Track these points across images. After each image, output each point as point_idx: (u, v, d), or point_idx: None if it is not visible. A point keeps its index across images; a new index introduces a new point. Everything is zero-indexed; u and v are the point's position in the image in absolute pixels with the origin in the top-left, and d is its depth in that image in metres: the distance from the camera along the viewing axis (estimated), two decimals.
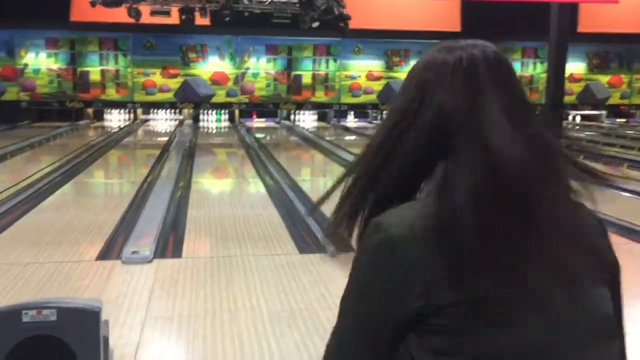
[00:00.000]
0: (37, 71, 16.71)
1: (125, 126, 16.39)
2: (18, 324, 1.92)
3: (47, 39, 16.61)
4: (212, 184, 8.66)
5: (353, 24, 14.77)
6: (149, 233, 5.05)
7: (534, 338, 0.80)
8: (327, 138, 14.09)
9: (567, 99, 15.13)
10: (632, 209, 6.34)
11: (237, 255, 4.59)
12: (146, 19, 13.94)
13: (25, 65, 16.61)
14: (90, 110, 17.49)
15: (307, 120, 18.30)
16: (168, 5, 13.70)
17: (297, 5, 13.45)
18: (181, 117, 17.98)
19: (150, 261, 4.34)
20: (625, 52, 19.20)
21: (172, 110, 18.00)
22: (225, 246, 4.86)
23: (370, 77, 18.22)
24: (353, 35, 16.38)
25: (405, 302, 0.82)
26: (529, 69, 19.00)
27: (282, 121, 18.07)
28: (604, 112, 19.43)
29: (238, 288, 3.85)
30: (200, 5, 13.59)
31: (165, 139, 13.36)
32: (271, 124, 17.88)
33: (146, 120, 17.70)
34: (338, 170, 9.48)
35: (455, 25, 17.71)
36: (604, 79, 19.40)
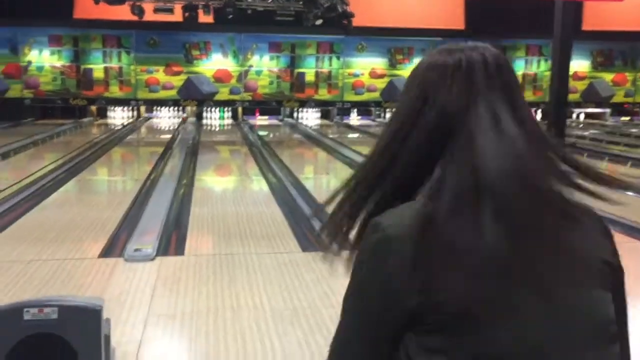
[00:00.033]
0: (40, 68, 16.72)
1: (128, 123, 16.40)
2: (19, 322, 1.92)
3: (50, 36, 16.61)
4: (215, 182, 8.66)
5: (356, 22, 14.76)
6: (151, 230, 5.05)
7: (533, 338, 0.81)
8: (330, 136, 14.08)
9: (571, 97, 15.07)
10: (636, 207, 6.31)
11: (240, 253, 4.59)
12: (149, 16, 13.97)
13: (29, 62, 16.63)
14: (93, 108, 17.50)
15: (310, 117, 18.28)
16: (171, 3, 13.72)
17: (300, 2, 13.44)
18: (184, 114, 17.99)
19: (152, 259, 4.34)
20: (630, 50, 19.14)
21: (176, 108, 18.01)
22: (228, 244, 4.86)
23: (374, 74, 18.19)
24: (356, 33, 16.37)
25: (403, 300, 0.82)
26: (533, 66, 18.95)
27: (285, 119, 18.06)
28: (608, 110, 19.38)
29: (241, 286, 3.85)
30: (203, 3, 13.60)
31: (169, 136, 13.37)
32: (274, 121, 17.87)
33: (149, 118, 17.71)
34: (341, 168, 9.47)
35: (459, 23, 17.68)
36: (608, 77, 19.34)
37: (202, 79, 17.42)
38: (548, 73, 16.17)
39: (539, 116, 18.82)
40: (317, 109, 18.37)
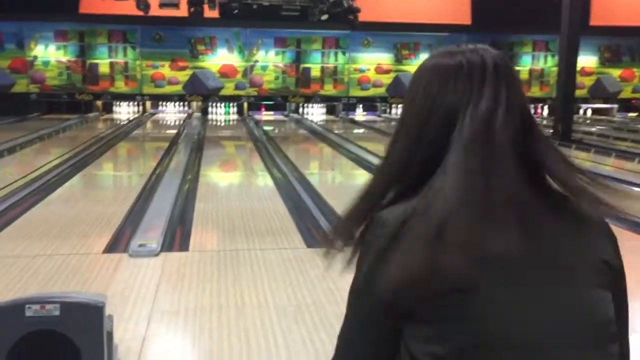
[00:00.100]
0: (46, 63, 16.75)
1: (134, 119, 16.42)
2: (21, 318, 1.91)
3: (56, 31, 16.64)
4: (220, 177, 8.65)
5: (362, 17, 14.71)
6: (156, 226, 5.05)
7: (530, 334, 0.83)
8: (336, 131, 14.05)
9: (578, 92, 14.99)
10: None
11: (245, 249, 4.58)
12: (155, 11, 13.96)
13: (35, 57, 16.66)
14: (99, 103, 17.54)
15: (315, 113, 18.26)
16: None
17: None
18: (190, 110, 17.99)
19: (157, 254, 4.33)
20: (637, 45, 19.02)
21: (181, 103, 18.01)
22: (233, 240, 4.84)
23: (380, 70, 18.14)
24: (362, 28, 16.32)
25: (399, 289, 0.85)
26: (540, 62, 18.86)
27: (291, 114, 18.05)
28: (615, 106, 19.30)
29: (245, 283, 3.83)
30: None
31: (174, 131, 13.37)
32: (280, 117, 17.85)
33: (155, 113, 17.72)
34: (346, 164, 9.45)
35: (465, 18, 17.60)
36: (616, 72, 19.23)
37: (207, 74, 17.41)
38: (555, 68, 16.08)
39: (545, 112, 18.74)
40: (322, 105, 18.34)
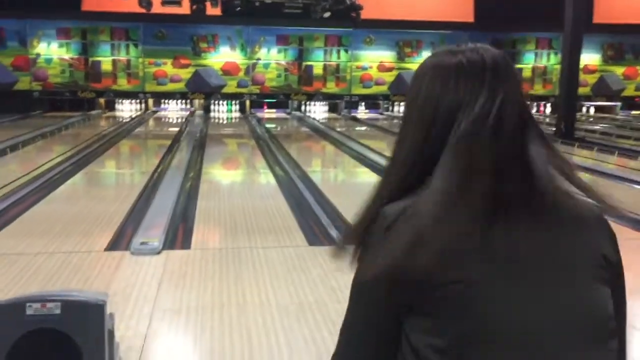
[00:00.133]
0: (49, 61, 16.76)
1: (136, 116, 16.42)
2: (22, 316, 1.90)
3: (58, 28, 16.64)
4: (222, 175, 8.64)
5: (365, 14, 14.70)
6: (158, 224, 5.04)
7: (525, 329, 0.84)
8: (338, 129, 14.03)
9: (582, 90, 14.95)
10: None
11: (247, 247, 4.57)
12: (157, 8, 13.96)
13: (38, 55, 16.67)
14: (102, 100, 17.54)
15: (317, 111, 18.24)
16: None
17: None
18: (192, 107, 17.99)
19: (159, 252, 4.33)
20: None
21: (183, 101, 18.01)
22: (235, 238, 4.84)
23: (382, 68, 18.11)
24: (364, 26, 16.30)
25: (399, 282, 0.86)
26: (543, 59, 18.82)
27: (293, 112, 18.03)
28: (618, 104, 19.25)
29: (247, 281, 3.83)
30: None
31: (176, 129, 13.36)
32: (282, 114, 17.84)
33: (157, 111, 17.72)
34: (348, 162, 9.43)
35: (468, 16, 17.56)
36: (619, 70, 19.18)
37: (210, 71, 17.40)
38: (558, 66, 16.04)
39: (548, 110, 18.70)
40: (324, 102, 18.32)
